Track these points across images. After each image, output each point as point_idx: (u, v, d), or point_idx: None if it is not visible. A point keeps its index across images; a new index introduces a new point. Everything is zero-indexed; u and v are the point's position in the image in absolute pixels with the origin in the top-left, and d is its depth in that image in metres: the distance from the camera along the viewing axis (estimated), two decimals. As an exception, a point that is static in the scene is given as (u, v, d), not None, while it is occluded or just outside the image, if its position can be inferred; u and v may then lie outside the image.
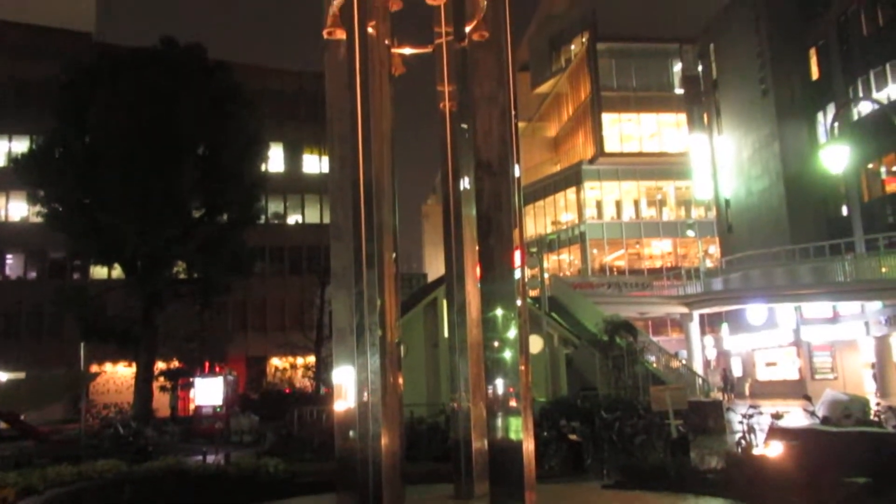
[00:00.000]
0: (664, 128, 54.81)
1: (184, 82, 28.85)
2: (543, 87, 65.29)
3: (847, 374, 35.03)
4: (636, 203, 54.20)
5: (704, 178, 48.40)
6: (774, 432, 9.98)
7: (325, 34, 8.03)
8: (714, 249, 50.55)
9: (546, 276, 30.04)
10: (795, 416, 14.08)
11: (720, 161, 47.32)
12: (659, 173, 53.34)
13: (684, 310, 38.74)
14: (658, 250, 53.99)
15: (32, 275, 44.81)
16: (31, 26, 44.68)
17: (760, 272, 36.87)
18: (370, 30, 7.56)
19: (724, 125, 47.00)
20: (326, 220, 31.99)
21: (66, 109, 29.18)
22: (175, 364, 36.56)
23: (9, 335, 41.86)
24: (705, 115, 49.29)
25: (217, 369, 32.04)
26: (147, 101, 27.59)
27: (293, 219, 49.98)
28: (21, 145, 38.90)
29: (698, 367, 37.07)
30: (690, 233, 50.51)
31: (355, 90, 7.38)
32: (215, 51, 33.66)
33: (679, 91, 53.99)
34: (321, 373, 34.19)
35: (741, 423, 12.21)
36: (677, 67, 55.39)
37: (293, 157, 49.79)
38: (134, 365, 32.83)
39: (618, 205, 53.94)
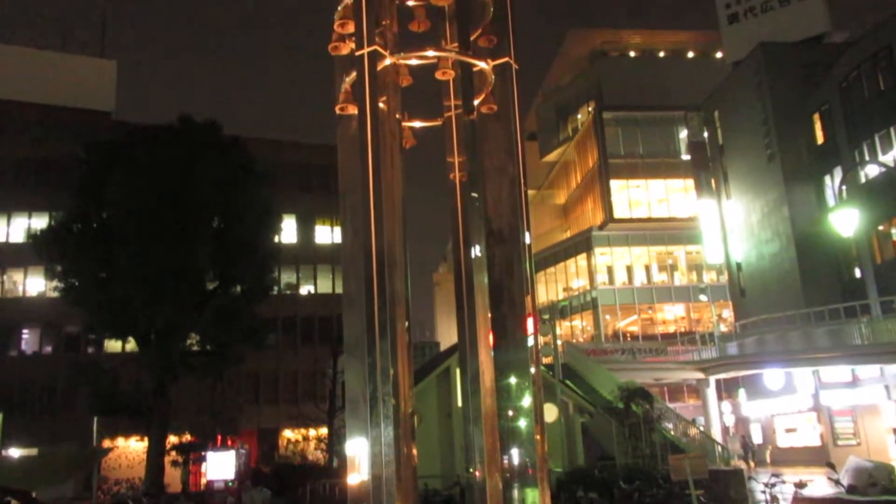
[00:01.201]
0: (672, 193, 55.18)
1: (200, 158, 29.48)
2: (552, 156, 66.16)
3: (870, 439, 34.23)
4: (647, 268, 54.17)
5: (715, 242, 48.45)
6: (799, 502, 9.76)
7: (337, 110, 8.27)
8: (728, 313, 50.19)
9: (559, 343, 29.86)
10: (819, 484, 13.77)
11: (730, 225, 47.41)
12: (669, 238, 53.45)
13: (700, 375, 38.23)
14: (671, 315, 53.65)
15: (48, 349, 44.94)
16: (52, 106, 46.04)
17: (776, 336, 36.49)
18: (381, 105, 7.78)
19: (732, 190, 47.27)
20: (339, 289, 32.13)
21: (84, 186, 29.81)
22: (187, 438, 36.22)
23: (23, 411, 41.71)
24: (713, 181, 49.67)
25: (229, 443, 31.71)
26: (163, 177, 28.18)
27: (305, 289, 50.16)
28: (40, 222, 39.62)
29: (717, 434, 36.35)
30: (703, 297, 50.25)
31: (367, 163, 7.54)
32: (231, 125, 34.46)
33: (686, 157, 54.59)
34: (334, 445, 33.74)
35: (764, 492, 11.96)
36: (683, 134, 56.10)
37: (306, 228, 50.30)
38: (146, 439, 32.55)
39: (629, 270, 53.91)
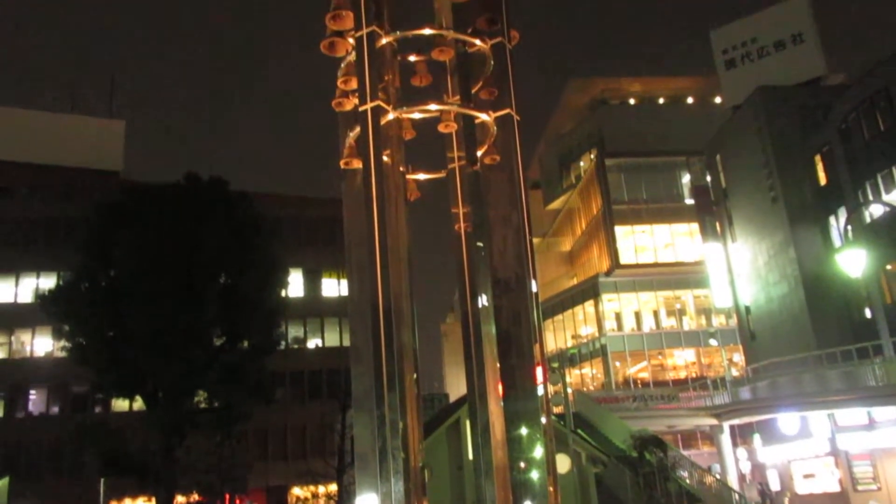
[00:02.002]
0: (678, 238, 55.22)
1: (206, 215, 29.73)
2: (556, 204, 66.46)
3: (891, 484, 33.48)
4: (655, 313, 53.90)
5: (722, 286, 48.26)
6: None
7: (342, 164, 8.39)
8: (739, 357, 49.73)
9: (569, 391, 29.58)
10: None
11: (737, 268, 47.29)
12: (676, 283, 53.30)
13: (714, 421, 37.69)
14: (682, 360, 53.18)
15: (55, 410, 44.69)
16: (62, 167, 46.71)
17: (789, 379, 36.06)
18: (385, 158, 7.88)
19: (737, 233, 47.29)
20: (346, 343, 32.04)
21: (92, 245, 30.04)
22: (195, 497, 35.71)
23: (30, 472, 41.28)
24: (718, 224, 49.73)
25: (238, 501, 31.27)
26: (171, 235, 28.40)
27: (313, 343, 50.00)
28: (49, 282, 39.82)
29: (733, 481, 35.66)
30: (713, 342, 49.87)
31: (372, 217, 7.61)
32: (237, 181, 34.80)
33: (689, 201, 54.77)
34: (344, 501, 33.21)
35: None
36: (686, 179, 56.40)
37: (312, 282, 50.37)
38: (153, 499, 32.11)
39: (637, 316, 53.65)
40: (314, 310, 49.09)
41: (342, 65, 8.75)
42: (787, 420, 37.15)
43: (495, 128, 8.06)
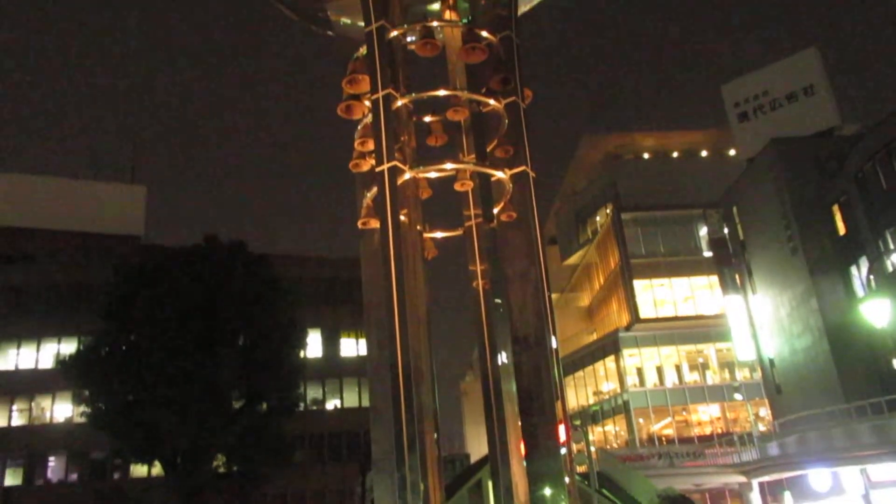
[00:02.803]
0: (697, 291, 54.78)
1: (225, 277, 29.98)
2: (573, 259, 66.37)
3: (929, 541, 32.35)
4: (678, 368, 53.14)
5: (745, 338, 47.60)
6: None
7: (359, 224, 8.46)
8: (765, 412, 48.70)
9: (593, 449, 29.02)
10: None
11: (759, 321, 46.72)
12: (698, 337, 52.68)
13: (742, 479, 36.75)
14: (706, 416, 52.16)
15: (73, 477, 44.38)
16: (83, 233, 47.46)
17: (818, 434, 35.20)
18: (403, 218, 7.94)
19: (757, 285, 46.87)
20: (365, 403, 31.72)
21: (112, 310, 30.27)
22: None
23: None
24: (737, 276, 49.33)
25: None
26: (190, 297, 28.61)
27: (332, 403, 49.62)
28: (69, 347, 40.01)
29: (766, 541, 34.59)
30: (738, 396, 48.95)
31: (390, 276, 7.63)
32: (256, 242, 35.15)
33: (708, 254, 54.48)
34: (365, 567, 32.47)
35: None
36: (703, 231, 56.24)
37: (331, 342, 50.25)
38: (171, 568, 31.56)
39: (659, 371, 52.91)
40: (333, 370, 48.87)
41: (359, 127, 8.91)
42: (818, 476, 36.14)
43: (511, 185, 8.13)
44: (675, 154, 64.98)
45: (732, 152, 56.34)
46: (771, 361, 46.03)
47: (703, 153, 64.74)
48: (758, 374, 49.46)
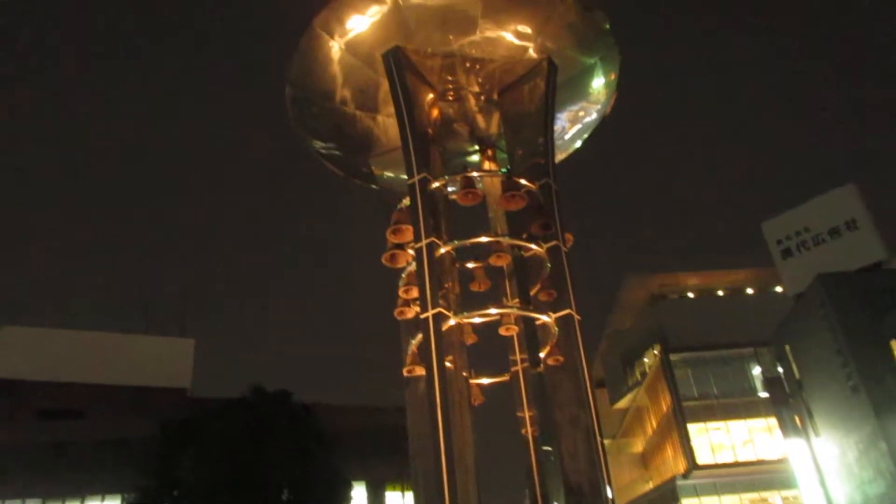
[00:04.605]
0: (756, 434, 52.47)
1: (270, 429, 29.79)
2: (622, 402, 64.68)
3: None
4: (743, 518, 50.05)
5: (811, 485, 44.80)
6: None
7: (405, 372, 8.43)
8: (843, 566, 45.07)
9: None
10: None
11: (825, 465, 44.15)
12: (761, 483, 49.89)
13: None
14: (778, 572, 48.47)
15: None
16: (131, 387, 47.95)
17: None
18: (448, 364, 7.90)
19: (820, 426, 44.71)
20: (412, 561, 30.26)
21: (157, 465, 30.08)
22: None
23: None
24: (797, 418, 47.21)
25: None
26: (235, 451, 28.36)
27: (377, 562, 47.42)
28: (114, 503, 39.41)
29: None
30: (811, 548, 45.49)
31: (437, 425, 7.51)
32: (301, 390, 35.07)
33: (763, 394, 52.54)
34: None
35: None
36: (756, 371, 54.60)
37: (376, 495, 48.69)
38: None
39: (723, 522, 49.85)
40: (378, 525, 47.06)
41: (403, 275, 9.06)
42: None
43: (556, 328, 8.07)
44: (720, 292, 64.37)
45: (779, 289, 55.57)
46: (843, 510, 43.11)
47: (749, 290, 64.03)
48: (830, 524, 46.23)
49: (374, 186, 13.10)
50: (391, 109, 12.35)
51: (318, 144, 15.93)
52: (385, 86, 13.08)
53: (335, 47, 13.83)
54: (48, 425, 46.48)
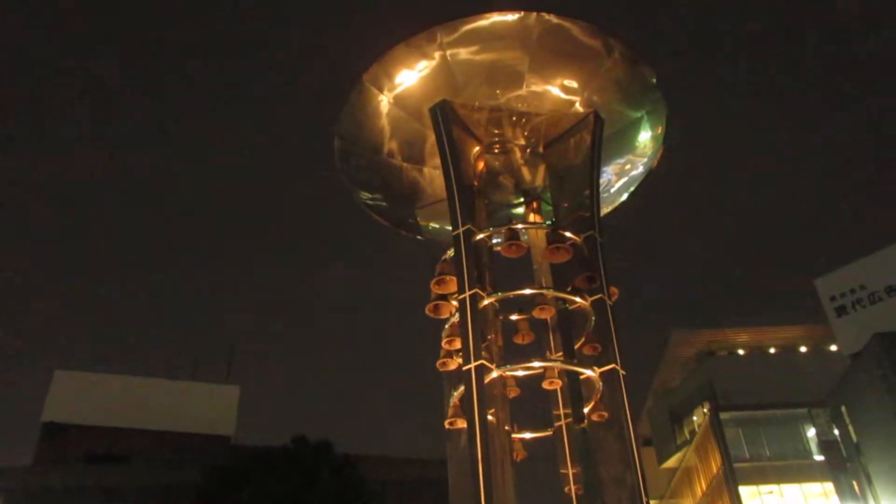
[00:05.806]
0: (811, 499, 50.31)
1: (312, 480, 29.65)
2: (670, 462, 62.79)
3: None
4: (799, 588, 47.73)
5: (872, 554, 42.74)
6: None
7: (447, 424, 8.33)
8: None
9: None
10: None
11: (886, 534, 42.13)
12: (817, 551, 47.67)
13: None
14: None
15: None
16: (175, 434, 48.34)
17: None
18: (490, 418, 7.79)
19: (879, 492, 42.77)
20: None
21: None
22: None
23: None
24: (855, 483, 45.28)
25: None
26: (278, 500, 28.24)
27: None
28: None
29: None
30: None
31: (478, 479, 7.37)
32: (342, 439, 34.92)
33: (819, 457, 50.57)
34: None
35: None
36: (811, 432, 52.68)
37: (417, 549, 47.82)
38: None
39: (778, 591, 47.58)
40: (419, 582, 46.05)
41: (446, 326, 9.03)
42: None
43: (601, 383, 7.92)
44: (771, 350, 62.68)
45: (833, 347, 53.86)
46: (907, 582, 40.90)
47: (802, 349, 62.21)
48: None
49: (419, 237, 13.18)
50: (437, 161, 12.51)
51: (365, 196, 16.17)
52: (432, 138, 13.28)
53: (384, 101, 14.13)
54: (96, 469, 46.96)
